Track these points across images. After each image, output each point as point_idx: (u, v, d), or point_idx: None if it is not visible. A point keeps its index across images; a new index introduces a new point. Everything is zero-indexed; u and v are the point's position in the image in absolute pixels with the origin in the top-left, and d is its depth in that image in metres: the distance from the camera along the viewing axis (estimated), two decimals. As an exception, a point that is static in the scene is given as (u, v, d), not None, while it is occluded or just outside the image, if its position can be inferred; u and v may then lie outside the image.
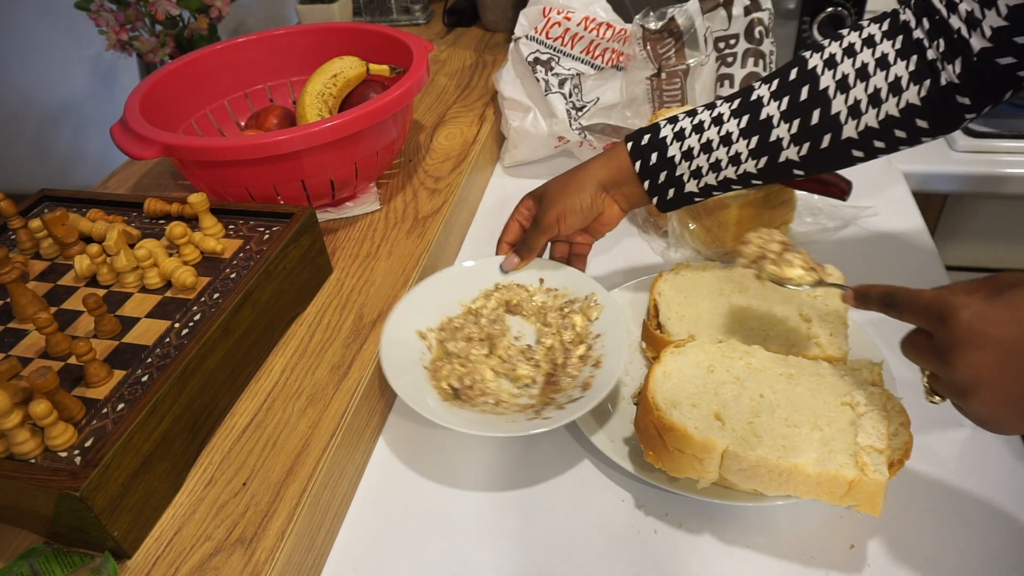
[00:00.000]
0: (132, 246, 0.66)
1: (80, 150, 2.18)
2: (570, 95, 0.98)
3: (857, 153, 0.62)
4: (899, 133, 0.60)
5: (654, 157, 0.66)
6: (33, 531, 0.53)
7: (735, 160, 0.64)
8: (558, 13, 0.99)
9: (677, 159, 0.65)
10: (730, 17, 0.93)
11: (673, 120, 0.66)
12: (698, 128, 0.65)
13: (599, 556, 0.56)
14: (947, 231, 1.19)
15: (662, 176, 0.66)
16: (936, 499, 0.58)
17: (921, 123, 0.59)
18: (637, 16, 0.92)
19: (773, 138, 0.62)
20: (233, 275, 0.66)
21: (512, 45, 1.02)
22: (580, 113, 0.98)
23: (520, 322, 0.73)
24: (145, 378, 0.56)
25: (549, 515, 0.60)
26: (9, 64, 2.02)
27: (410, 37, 0.91)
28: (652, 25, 0.91)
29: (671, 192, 0.67)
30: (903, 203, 0.92)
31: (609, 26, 0.98)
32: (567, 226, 0.70)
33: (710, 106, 0.65)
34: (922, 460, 0.60)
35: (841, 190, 0.78)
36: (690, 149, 0.65)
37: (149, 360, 0.57)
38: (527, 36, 1.00)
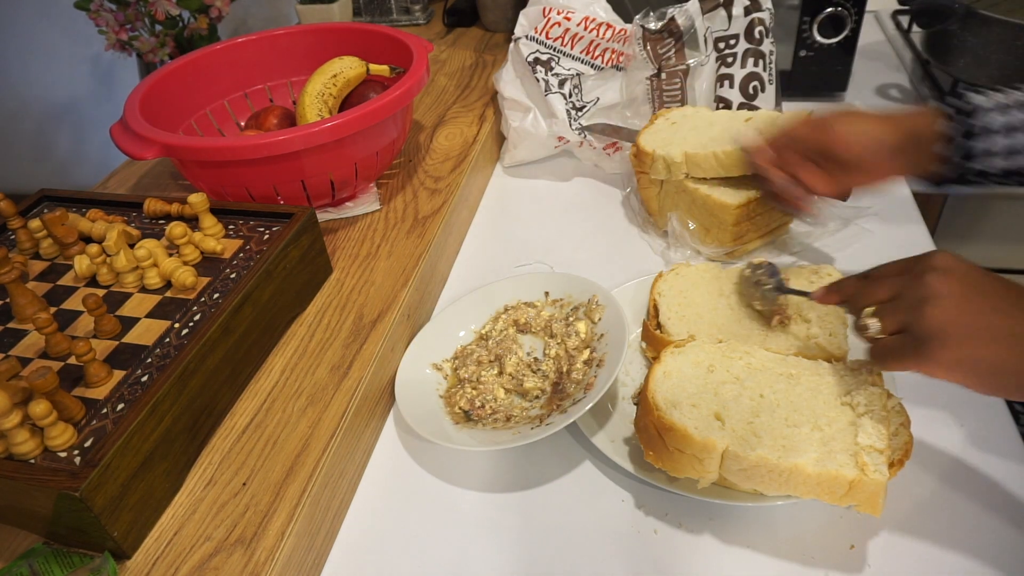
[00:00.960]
0: (132, 246, 0.66)
1: (80, 150, 2.18)
2: (570, 95, 0.98)
3: None
4: None
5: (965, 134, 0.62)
6: (33, 531, 0.53)
7: None
8: (558, 13, 0.99)
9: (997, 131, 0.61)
10: (730, 17, 0.93)
11: (985, 93, 0.63)
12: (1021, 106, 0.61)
13: (599, 556, 0.56)
14: (947, 231, 1.19)
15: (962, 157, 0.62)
16: (936, 499, 0.58)
17: None
18: (637, 16, 0.92)
19: None
20: (233, 275, 0.66)
21: (512, 45, 1.02)
22: (580, 113, 0.98)
23: (531, 339, 0.74)
24: (145, 378, 0.56)
25: (549, 515, 0.60)
26: (9, 64, 2.02)
27: (410, 37, 0.91)
28: (652, 25, 0.91)
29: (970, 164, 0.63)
30: (903, 203, 0.92)
31: (609, 26, 0.98)
32: (856, 153, 0.66)
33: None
34: (922, 460, 0.60)
35: (841, 190, 0.78)
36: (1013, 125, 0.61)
37: (149, 360, 0.57)
38: (527, 36, 1.00)
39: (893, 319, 0.51)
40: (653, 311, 0.73)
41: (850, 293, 0.57)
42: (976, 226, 1.17)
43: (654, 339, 0.70)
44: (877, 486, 0.50)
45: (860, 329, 0.53)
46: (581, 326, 0.72)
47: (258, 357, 0.66)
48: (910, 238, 0.86)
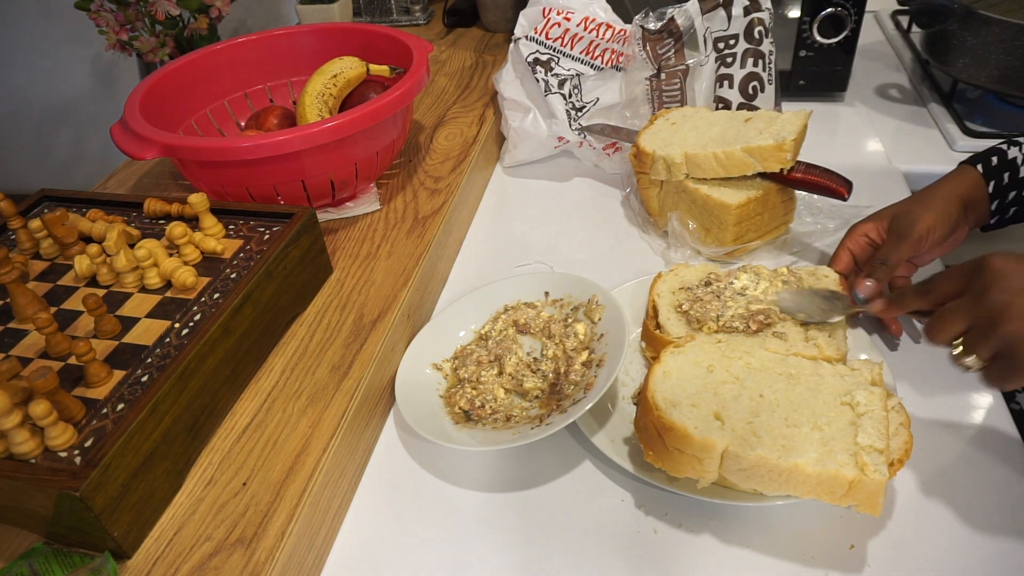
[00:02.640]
0: (132, 246, 0.66)
1: (80, 150, 2.18)
2: (570, 95, 0.98)
3: None
4: None
5: (1006, 177, 0.68)
6: (33, 531, 0.53)
7: None
8: (558, 14, 0.99)
9: None
10: (730, 17, 0.93)
11: (1015, 143, 0.69)
12: None
13: (599, 556, 0.56)
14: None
15: (1010, 196, 0.69)
16: (936, 499, 0.58)
17: None
18: (637, 16, 0.92)
19: None
20: (233, 275, 0.66)
21: (512, 45, 1.02)
22: (580, 114, 0.98)
23: (531, 339, 0.74)
24: (145, 378, 0.56)
25: (549, 515, 0.60)
26: (9, 64, 2.02)
27: (410, 37, 0.91)
28: (652, 25, 0.91)
29: (1011, 211, 0.70)
30: (903, 203, 0.92)
31: (609, 26, 0.98)
32: (935, 239, 0.69)
33: None
34: (922, 460, 0.60)
35: (841, 190, 0.78)
36: None
37: (149, 360, 0.57)
38: (527, 37, 1.00)
39: (983, 347, 0.51)
40: (652, 312, 0.73)
41: (914, 307, 0.58)
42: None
43: (654, 339, 0.70)
44: (877, 486, 0.50)
45: (958, 364, 0.53)
46: (580, 327, 0.71)
47: (258, 357, 0.66)
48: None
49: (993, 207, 0.70)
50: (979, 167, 0.70)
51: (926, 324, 0.54)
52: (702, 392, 0.58)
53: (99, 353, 0.57)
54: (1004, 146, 0.70)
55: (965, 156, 1.09)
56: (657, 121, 0.89)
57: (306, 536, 0.55)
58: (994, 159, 0.69)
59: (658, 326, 0.71)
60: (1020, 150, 0.69)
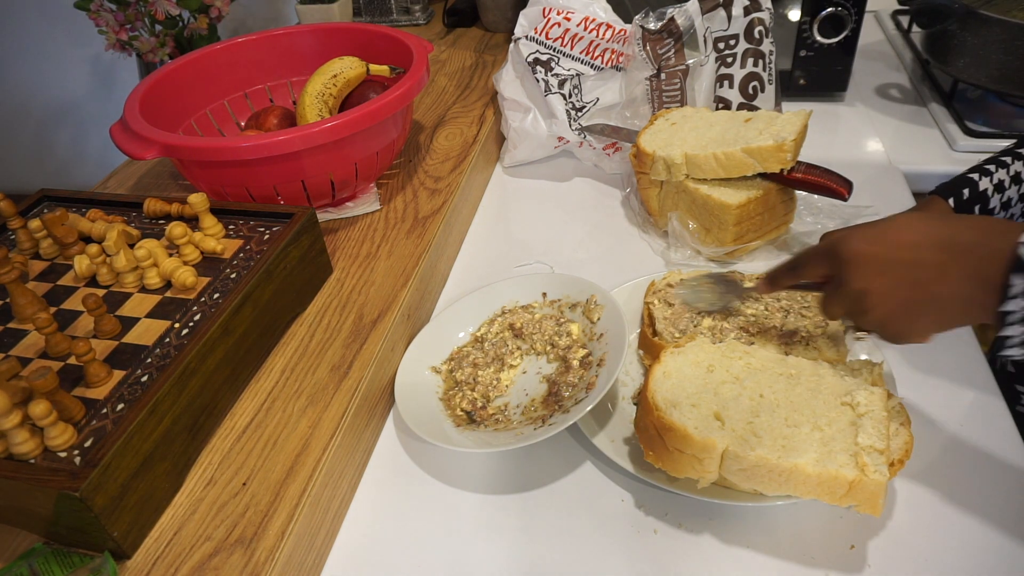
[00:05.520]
0: (132, 246, 0.66)
1: (80, 150, 2.18)
2: (570, 95, 0.98)
3: None
4: None
5: (976, 211, 0.69)
6: (33, 531, 0.53)
7: None
8: (558, 14, 0.99)
9: (996, 211, 0.69)
10: (730, 17, 0.93)
11: (985, 172, 0.69)
12: (1016, 180, 0.68)
13: (599, 556, 0.56)
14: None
15: None
16: (936, 499, 0.58)
17: None
18: (637, 16, 0.92)
19: None
20: (233, 275, 0.66)
21: (512, 45, 1.02)
22: (580, 114, 0.98)
23: (527, 341, 0.74)
24: (145, 378, 0.56)
25: (549, 515, 0.60)
26: (9, 64, 2.02)
27: (410, 37, 0.91)
28: (652, 25, 0.91)
29: None
30: (903, 203, 0.92)
31: (609, 26, 0.98)
32: None
33: (1012, 154, 0.69)
34: (922, 460, 0.60)
35: (841, 190, 0.78)
36: (1009, 200, 0.68)
37: (149, 360, 0.57)
38: (527, 36, 1.00)
39: (862, 325, 0.55)
40: (648, 319, 0.73)
41: (786, 284, 0.61)
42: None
43: (652, 346, 0.69)
44: (877, 486, 0.50)
45: (856, 339, 0.59)
46: (574, 327, 0.72)
47: (258, 357, 0.66)
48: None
49: None
50: (950, 201, 0.70)
51: (819, 302, 0.58)
52: (702, 392, 0.58)
53: (99, 353, 0.57)
54: (975, 175, 0.70)
55: (965, 156, 1.09)
56: (657, 121, 0.89)
57: (306, 536, 0.55)
58: (965, 192, 0.69)
59: (655, 333, 0.71)
60: (991, 180, 0.69)
